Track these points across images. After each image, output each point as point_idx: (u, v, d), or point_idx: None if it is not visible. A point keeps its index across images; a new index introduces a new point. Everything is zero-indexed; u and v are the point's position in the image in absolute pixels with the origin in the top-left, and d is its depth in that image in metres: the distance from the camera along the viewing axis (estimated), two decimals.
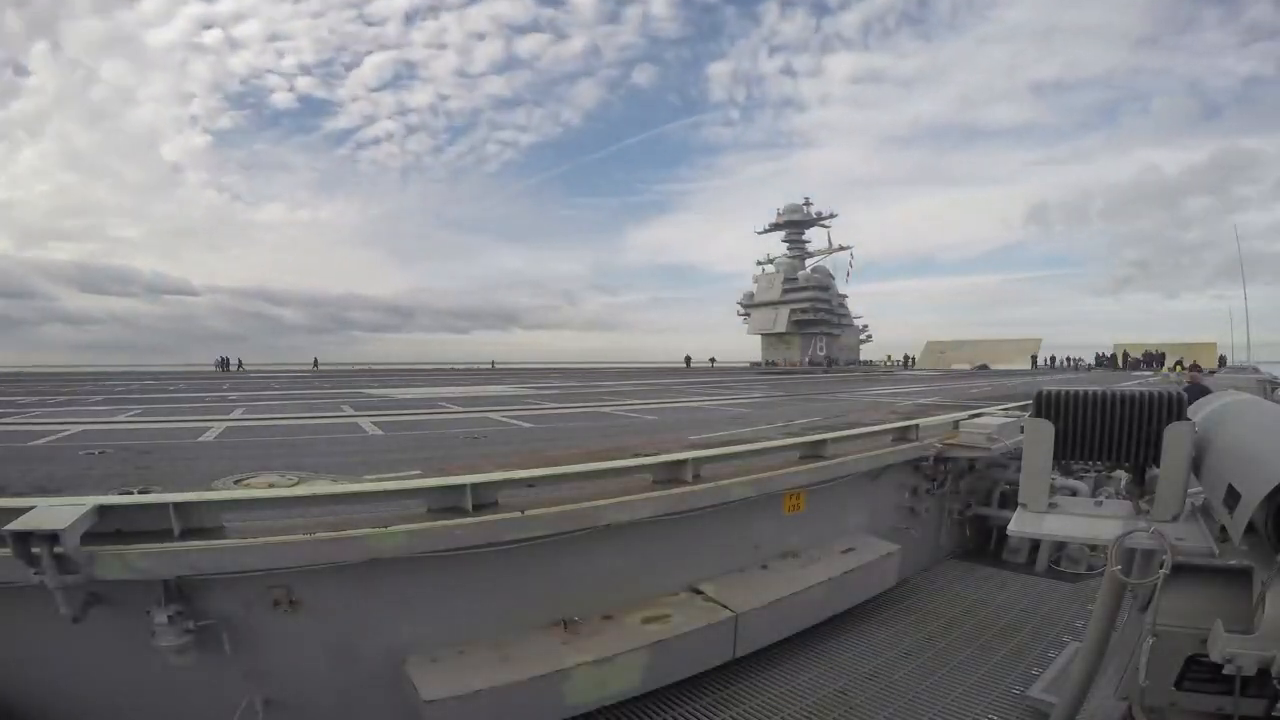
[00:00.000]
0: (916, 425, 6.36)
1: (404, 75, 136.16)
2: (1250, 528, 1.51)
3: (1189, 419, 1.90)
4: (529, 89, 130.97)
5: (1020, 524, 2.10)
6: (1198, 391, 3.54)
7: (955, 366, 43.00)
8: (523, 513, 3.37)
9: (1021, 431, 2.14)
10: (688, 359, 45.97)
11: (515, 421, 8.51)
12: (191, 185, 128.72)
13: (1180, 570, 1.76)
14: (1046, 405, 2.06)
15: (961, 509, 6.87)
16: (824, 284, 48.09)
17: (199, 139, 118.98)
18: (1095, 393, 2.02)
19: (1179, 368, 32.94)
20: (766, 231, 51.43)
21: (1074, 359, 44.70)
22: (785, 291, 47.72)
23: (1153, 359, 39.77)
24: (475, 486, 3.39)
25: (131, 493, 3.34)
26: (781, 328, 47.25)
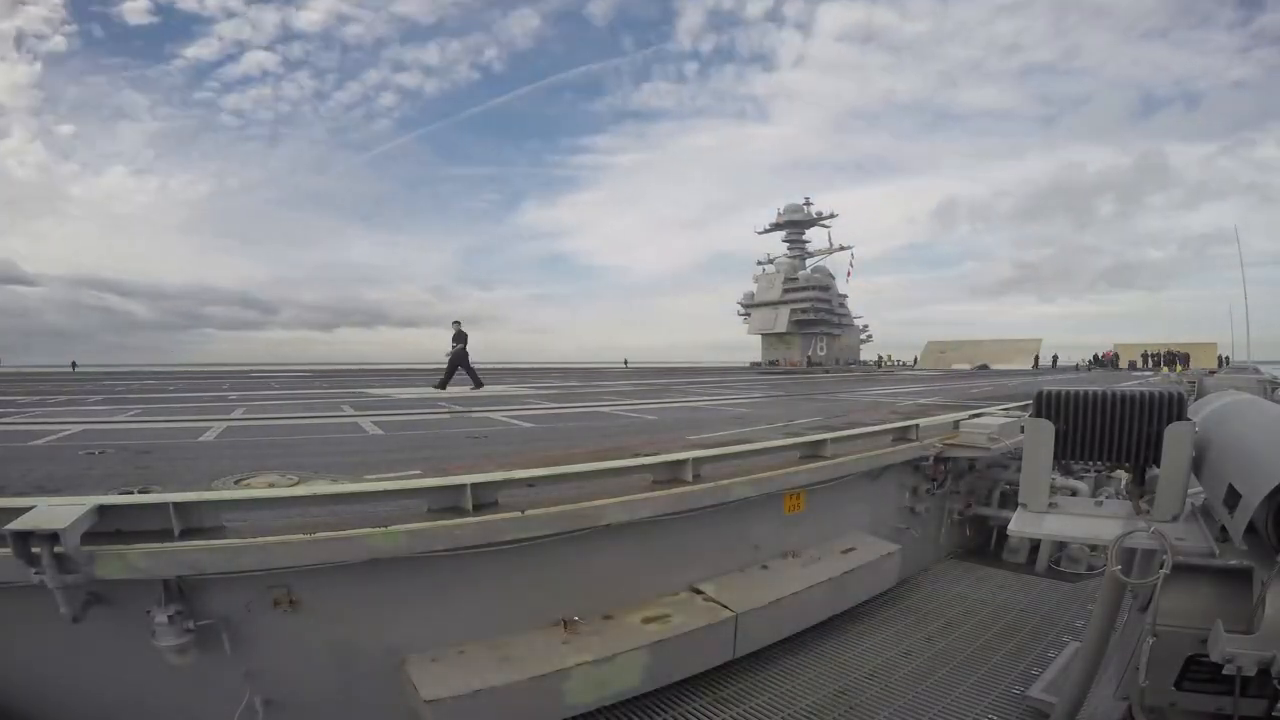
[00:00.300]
0: (917, 425, 6.36)
1: None
2: (1250, 528, 1.51)
3: (1189, 419, 1.90)
4: (454, 11, 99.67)
5: (1020, 524, 2.10)
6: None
7: (956, 366, 43.02)
8: (523, 513, 3.37)
9: (1022, 431, 2.14)
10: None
11: (515, 421, 8.51)
12: (17, 137, 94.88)
13: (1180, 570, 1.76)
14: (1047, 405, 2.06)
15: (962, 509, 6.87)
16: (824, 284, 48.17)
17: (26, 69, 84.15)
18: (1095, 393, 2.02)
19: (1178, 367, 32.76)
20: (767, 231, 51.56)
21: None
22: (785, 291, 47.82)
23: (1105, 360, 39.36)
24: (475, 486, 3.40)
25: (132, 492, 3.34)
26: (782, 328, 47.32)
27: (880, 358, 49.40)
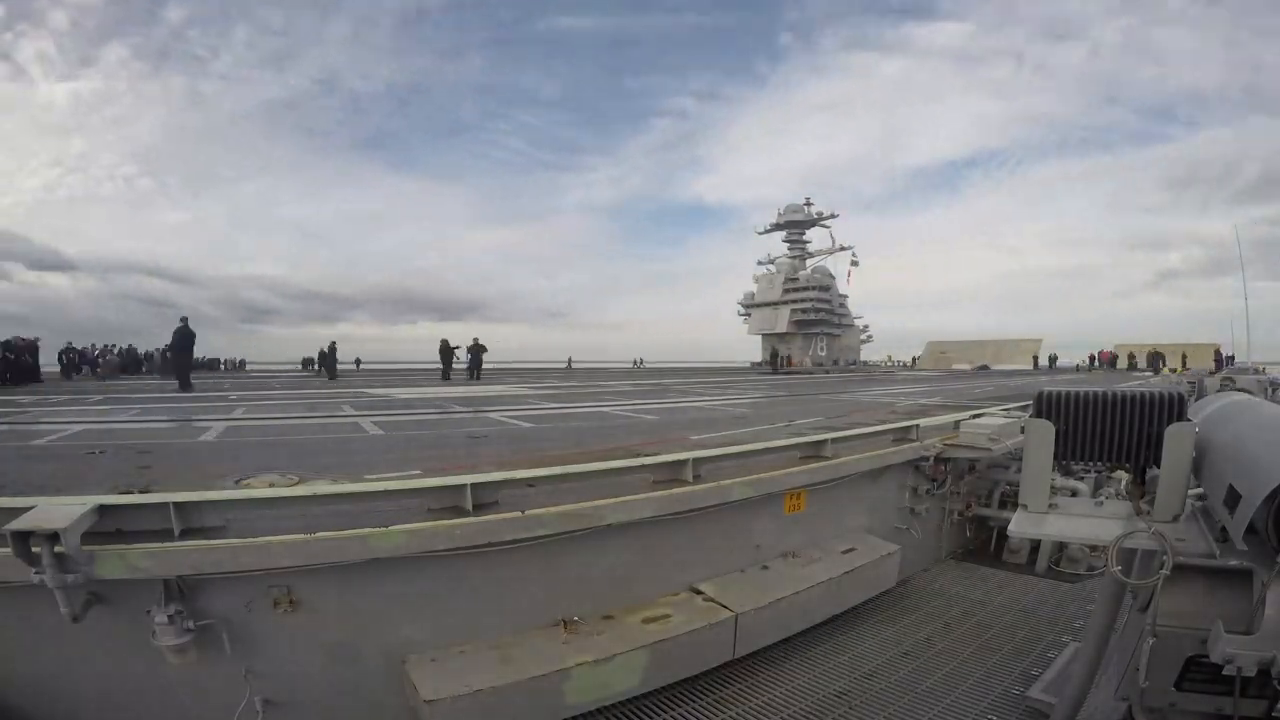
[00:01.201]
0: (917, 425, 6.36)
1: None
2: (1251, 528, 1.51)
3: (1189, 419, 1.90)
4: None
5: (1021, 525, 2.10)
6: None
7: (956, 367, 43.03)
8: (523, 513, 3.37)
9: (1022, 432, 2.14)
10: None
11: (515, 421, 8.50)
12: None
13: (1180, 571, 1.76)
14: (1047, 405, 2.06)
15: (962, 509, 6.87)
16: (825, 284, 48.16)
17: None
18: (1096, 393, 2.02)
19: (1178, 369, 32.84)
20: (767, 231, 51.55)
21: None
22: (786, 291, 47.83)
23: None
24: (475, 486, 3.40)
25: (132, 492, 3.34)
26: (782, 328, 47.31)
27: (888, 357, 47.64)
